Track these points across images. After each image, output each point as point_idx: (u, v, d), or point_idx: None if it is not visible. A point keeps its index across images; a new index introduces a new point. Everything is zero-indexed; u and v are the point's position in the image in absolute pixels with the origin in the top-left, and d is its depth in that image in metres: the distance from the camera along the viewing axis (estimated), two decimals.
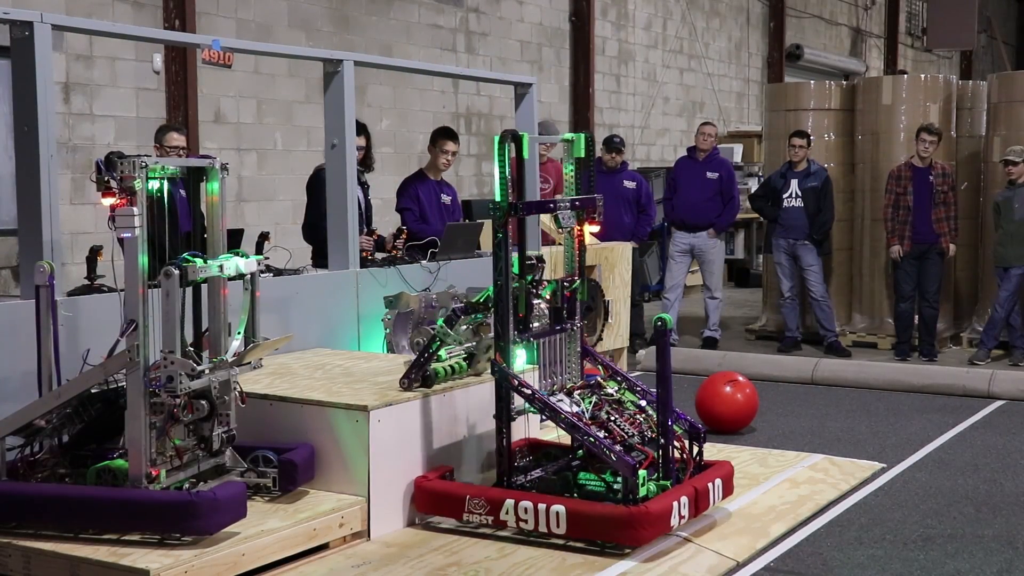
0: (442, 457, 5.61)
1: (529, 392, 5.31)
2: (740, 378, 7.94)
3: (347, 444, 5.25)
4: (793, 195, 10.81)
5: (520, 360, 5.52)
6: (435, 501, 5.36)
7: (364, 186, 8.03)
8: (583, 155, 5.85)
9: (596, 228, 5.89)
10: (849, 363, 10.08)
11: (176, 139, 7.52)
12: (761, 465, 6.64)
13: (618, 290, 9.50)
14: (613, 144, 10.99)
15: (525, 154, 5.61)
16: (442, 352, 5.63)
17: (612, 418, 5.45)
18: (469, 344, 5.79)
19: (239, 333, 5.11)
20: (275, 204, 12.01)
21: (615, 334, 9.56)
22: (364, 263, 7.23)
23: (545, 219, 9.38)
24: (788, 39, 22.90)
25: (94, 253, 5.85)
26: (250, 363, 5.12)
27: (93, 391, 4.83)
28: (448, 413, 5.67)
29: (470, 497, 5.25)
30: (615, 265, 9.59)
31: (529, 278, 5.58)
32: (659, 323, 5.31)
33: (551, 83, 16.53)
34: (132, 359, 4.58)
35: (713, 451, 6.93)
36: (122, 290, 4.69)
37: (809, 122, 11.53)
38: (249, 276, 5.10)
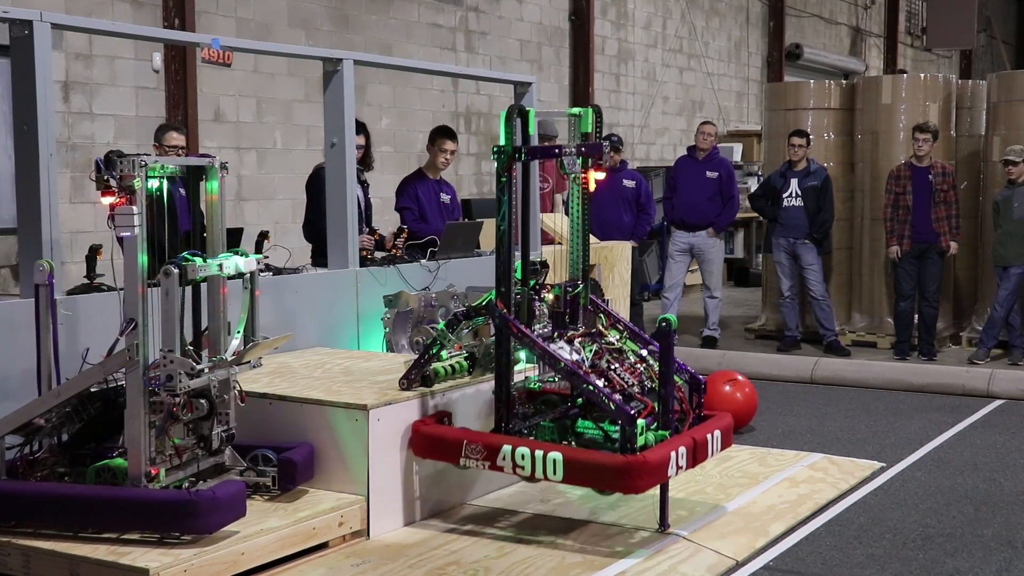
0: None
1: (529, 339, 5.27)
2: (739, 377, 7.95)
3: (346, 443, 5.25)
4: (793, 194, 10.81)
5: (521, 360, 5.52)
6: (432, 445, 5.33)
7: (364, 185, 8.03)
8: (590, 130, 5.75)
9: (602, 175, 5.79)
10: (849, 362, 10.09)
11: (176, 138, 7.53)
12: (760, 464, 6.64)
13: (617, 289, 9.50)
14: (611, 143, 10.98)
15: (531, 130, 5.55)
16: (443, 352, 5.62)
17: (612, 367, 5.40)
18: (471, 344, 5.77)
19: (238, 332, 5.10)
20: (274, 203, 12.02)
21: None
22: (364, 262, 7.23)
23: (546, 219, 9.39)
24: (788, 38, 22.90)
25: (93, 252, 5.85)
26: (249, 362, 5.12)
27: (92, 390, 4.83)
28: (447, 411, 5.67)
29: (467, 442, 5.21)
30: (614, 264, 9.59)
31: (532, 283, 5.56)
32: (664, 323, 5.29)
33: (551, 82, 16.53)
34: (131, 358, 4.58)
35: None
36: (121, 289, 4.69)
37: (809, 121, 11.53)
38: (248, 275, 5.10)
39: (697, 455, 5.26)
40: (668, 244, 11.69)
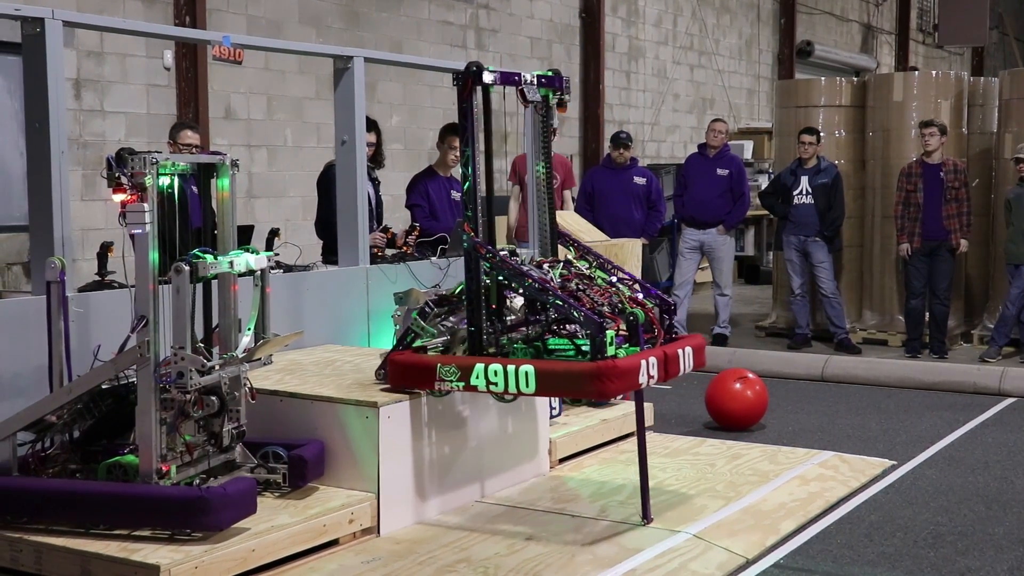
0: (453, 453, 5.62)
1: (497, 258, 5.28)
2: (750, 375, 7.94)
3: (357, 440, 5.26)
4: (803, 192, 10.79)
5: None
6: (408, 373, 5.34)
7: (375, 182, 8.04)
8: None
9: (564, 112, 5.91)
10: (859, 360, 10.06)
11: (190, 137, 7.55)
12: (771, 462, 6.63)
13: None
14: (620, 140, 10.97)
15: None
16: (418, 342, 5.61)
17: (582, 288, 5.39)
18: (444, 339, 5.74)
19: (249, 329, 5.11)
20: (285, 200, 12.03)
21: None
22: (374, 260, 7.24)
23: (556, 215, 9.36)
24: (799, 35, 22.84)
25: (105, 249, 5.87)
26: (260, 359, 5.13)
27: (104, 387, 4.85)
28: (458, 409, 5.68)
29: (441, 365, 5.23)
30: (625, 262, 9.55)
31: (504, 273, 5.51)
32: (631, 317, 5.27)
33: None
34: (143, 355, 4.59)
35: (723, 447, 6.94)
36: (133, 286, 4.70)
37: (820, 119, 11.51)
38: (259, 272, 5.11)
39: (669, 368, 5.24)
40: (678, 241, 11.68)
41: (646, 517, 5.45)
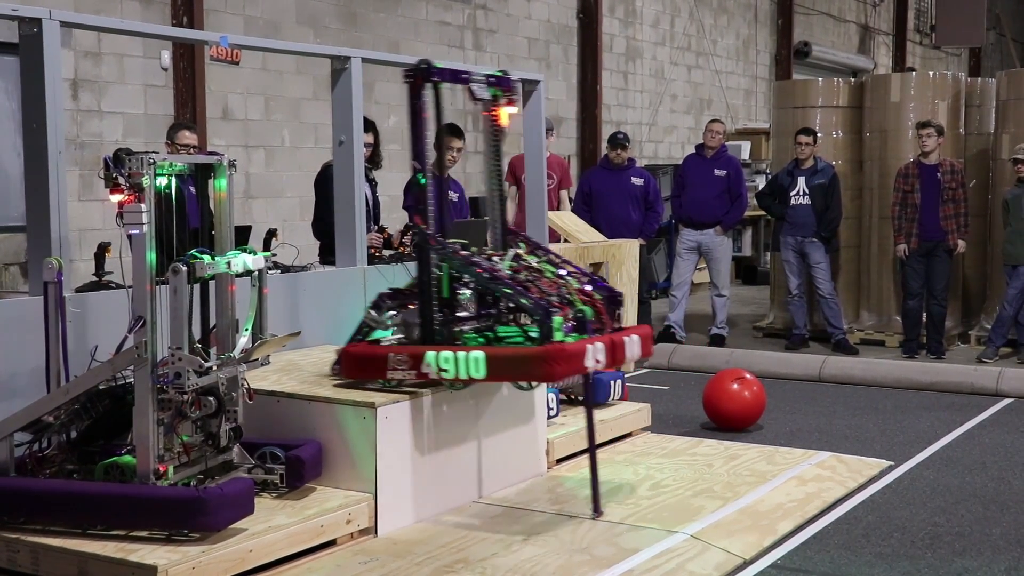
0: (450, 453, 5.62)
1: (445, 248, 5.35)
2: (747, 375, 7.94)
3: (354, 441, 5.26)
4: (800, 192, 10.80)
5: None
6: (360, 364, 5.41)
7: (372, 183, 8.04)
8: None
9: (514, 109, 5.97)
10: (857, 361, 10.07)
11: (188, 137, 7.54)
12: (768, 463, 6.63)
13: (625, 287, 9.48)
14: (617, 140, 10.98)
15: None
16: (373, 335, 5.62)
17: (531, 279, 5.46)
18: (400, 336, 5.72)
19: (247, 330, 5.11)
20: (283, 201, 12.03)
21: None
22: (372, 260, 7.24)
23: (552, 216, 9.38)
24: (796, 36, 22.86)
25: (102, 249, 5.86)
26: (258, 360, 5.13)
27: (101, 387, 4.84)
28: (456, 410, 5.68)
29: (393, 355, 5.29)
30: (622, 262, 9.58)
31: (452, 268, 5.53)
32: (579, 314, 5.31)
33: (559, 80, 16.52)
34: (140, 355, 4.59)
35: (720, 448, 6.94)
36: (130, 286, 4.70)
37: (817, 119, 11.52)
38: (257, 273, 5.10)
39: (616, 354, 5.33)
40: (676, 242, 11.69)
41: (596, 511, 5.54)
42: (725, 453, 6.82)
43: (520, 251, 5.83)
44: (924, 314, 10.51)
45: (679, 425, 7.94)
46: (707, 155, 11.28)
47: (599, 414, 6.97)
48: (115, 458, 4.79)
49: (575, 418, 6.84)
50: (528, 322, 5.30)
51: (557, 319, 5.05)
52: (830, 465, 6.66)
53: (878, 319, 11.44)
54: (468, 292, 5.48)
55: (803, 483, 6.27)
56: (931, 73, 11.95)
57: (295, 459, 5.11)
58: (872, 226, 11.45)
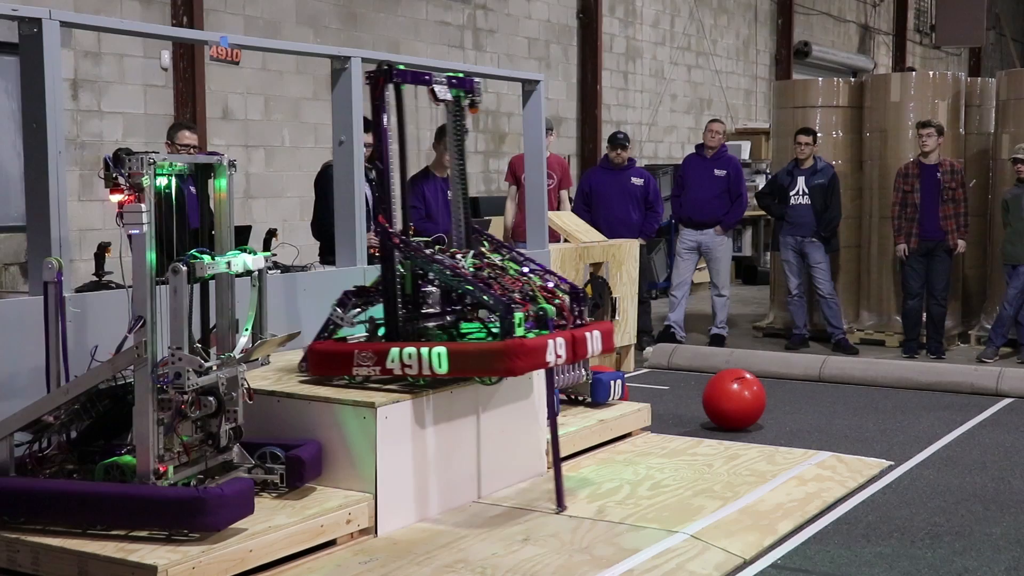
0: (450, 453, 5.62)
1: (408, 246, 5.43)
2: (747, 375, 7.94)
3: (354, 441, 5.26)
4: (800, 192, 10.81)
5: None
6: (326, 361, 5.49)
7: (372, 183, 8.03)
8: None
9: (475, 112, 6.12)
10: (857, 360, 10.07)
11: (188, 137, 7.54)
12: (768, 462, 6.63)
13: (625, 287, 9.49)
14: (617, 140, 10.97)
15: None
16: (339, 333, 5.66)
17: (494, 276, 5.54)
18: (364, 335, 5.78)
19: (247, 330, 5.11)
20: (283, 201, 12.03)
21: (623, 331, 9.54)
22: (372, 260, 7.23)
23: (552, 216, 9.38)
24: (796, 36, 22.87)
25: (102, 249, 5.87)
26: (257, 359, 5.13)
27: (101, 387, 4.84)
28: (456, 410, 5.68)
29: (358, 352, 5.36)
30: (622, 262, 9.58)
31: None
32: (541, 311, 5.37)
33: (559, 80, 16.52)
34: (140, 355, 4.59)
35: (720, 448, 6.94)
36: (130, 286, 4.70)
37: (817, 119, 11.52)
38: (257, 273, 5.11)
39: (577, 349, 5.42)
40: (676, 242, 11.69)
41: (560, 505, 5.60)
42: (725, 453, 6.82)
43: (484, 249, 5.92)
44: (924, 314, 10.51)
45: (679, 425, 7.94)
46: (707, 155, 11.28)
47: (598, 414, 6.99)
48: (115, 458, 4.80)
49: (575, 418, 6.84)
50: (491, 318, 5.38)
51: (518, 315, 5.15)
52: (830, 465, 6.66)
53: (878, 319, 11.44)
54: (433, 289, 5.54)
55: (803, 483, 6.27)
56: (931, 73, 11.95)
57: (295, 459, 5.11)
58: (872, 226, 11.45)
